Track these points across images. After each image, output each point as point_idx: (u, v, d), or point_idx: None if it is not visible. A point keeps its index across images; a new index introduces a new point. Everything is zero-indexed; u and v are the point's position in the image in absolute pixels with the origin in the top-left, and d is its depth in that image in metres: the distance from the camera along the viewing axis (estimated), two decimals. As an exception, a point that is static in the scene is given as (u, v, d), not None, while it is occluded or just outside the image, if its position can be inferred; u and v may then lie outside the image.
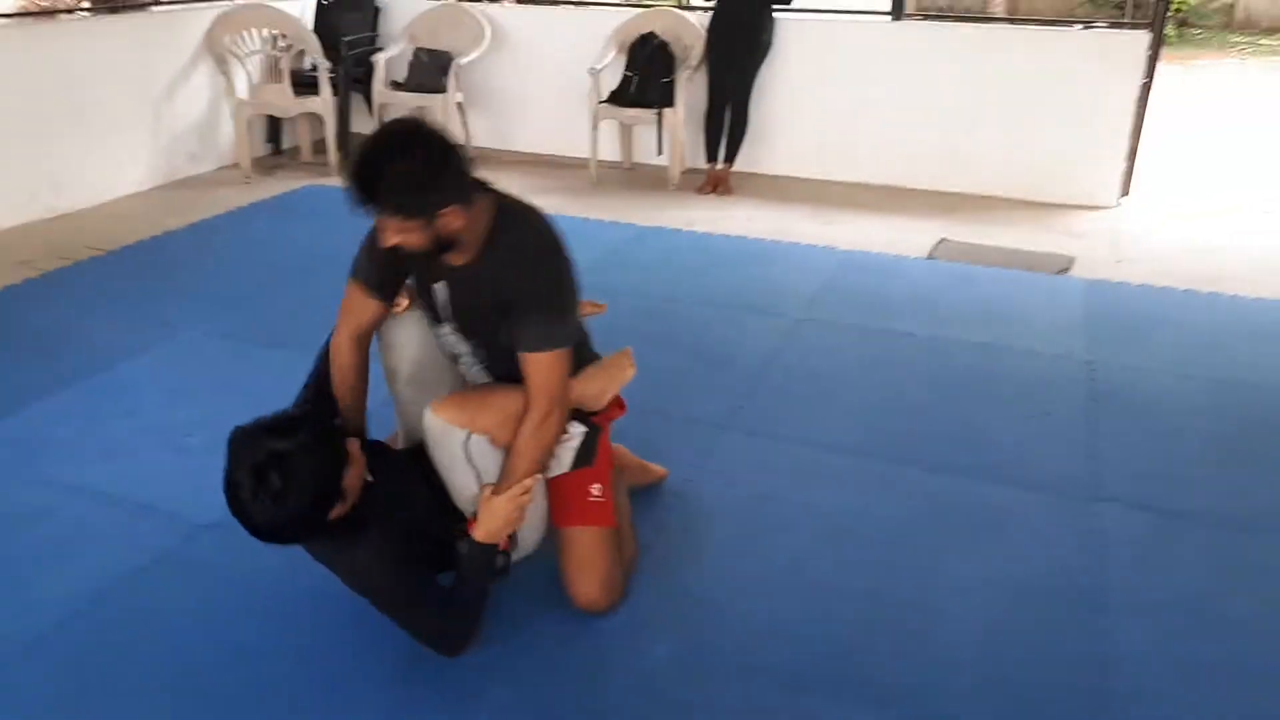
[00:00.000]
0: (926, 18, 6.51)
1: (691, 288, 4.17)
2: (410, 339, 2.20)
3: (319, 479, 1.78)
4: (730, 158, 5.67)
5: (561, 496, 2.17)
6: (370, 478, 1.92)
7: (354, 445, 1.89)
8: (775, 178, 5.89)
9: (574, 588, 2.18)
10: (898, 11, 5.66)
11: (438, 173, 1.84)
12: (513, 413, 2.00)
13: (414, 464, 2.12)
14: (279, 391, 2.26)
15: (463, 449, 1.99)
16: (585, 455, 2.16)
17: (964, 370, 3.47)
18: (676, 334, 3.72)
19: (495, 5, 6.42)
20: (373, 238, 2.05)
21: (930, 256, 4.63)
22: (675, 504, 2.66)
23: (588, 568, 2.17)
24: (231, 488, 1.76)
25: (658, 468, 2.70)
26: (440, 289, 2.08)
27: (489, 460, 2.02)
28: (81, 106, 5.09)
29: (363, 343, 2.15)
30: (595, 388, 2.19)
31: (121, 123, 5.36)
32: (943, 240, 4.84)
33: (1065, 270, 4.45)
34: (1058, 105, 5.29)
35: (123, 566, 2.38)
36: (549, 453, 2.06)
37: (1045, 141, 5.37)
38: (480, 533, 1.97)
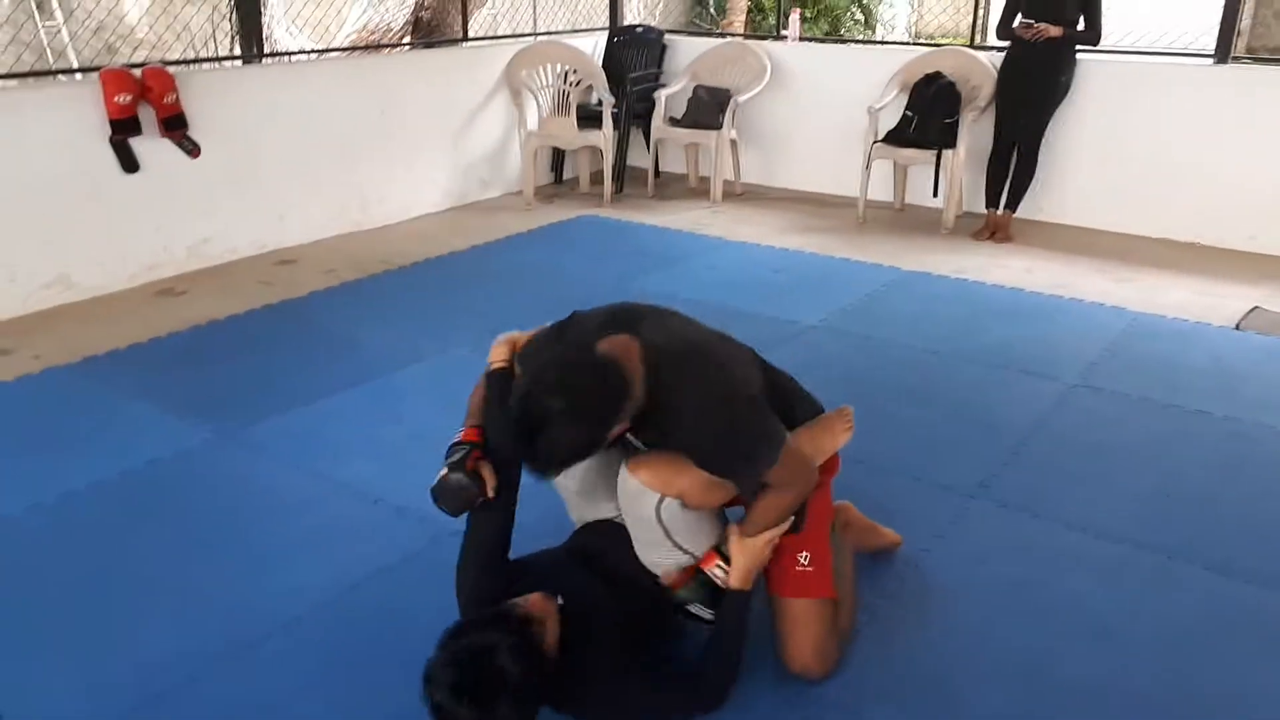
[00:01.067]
0: (1258, 60, 5.83)
1: (955, 340, 3.94)
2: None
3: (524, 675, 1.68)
4: (1013, 204, 5.34)
5: (771, 564, 2.09)
6: (560, 600, 1.87)
7: (543, 607, 1.79)
8: (1061, 227, 5.49)
9: (787, 654, 2.10)
10: (1223, 53, 5.12)
11: (599, 415, 1.73)
12: (710, 479, 1.93)
13: (583, 559, 2.08)
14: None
15: (655, 511, 1.95)
16: (794, 522, 2.06)
17: (1267, 460, 3.03)
18: (935, 389, 3.52)
19: (779, 43, 6.44)
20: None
21: (1239, 327, 4.11)
22: (911, 573, 2.49)
23: (799, 636, 2.08)
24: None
25: (890, 533, 2.54)
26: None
27: (680, 523, 1.97)
28: (392, 131, 5.59)
29: None
30: (809, 451, 2.07)
31: (425, 148, 5.84)
32: (1256, 309, 4.28)
33: None
34: None
35: (376, 561, 2.54)
36: (798, 506, 2.02)
37: (1398, 203, 4.66)
38: (737, 578, 1.96)
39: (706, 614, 2.04)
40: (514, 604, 1.79)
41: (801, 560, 2.07)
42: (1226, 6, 5.12)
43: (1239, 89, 5.07)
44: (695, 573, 2.02)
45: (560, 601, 1.86)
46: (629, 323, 1.92)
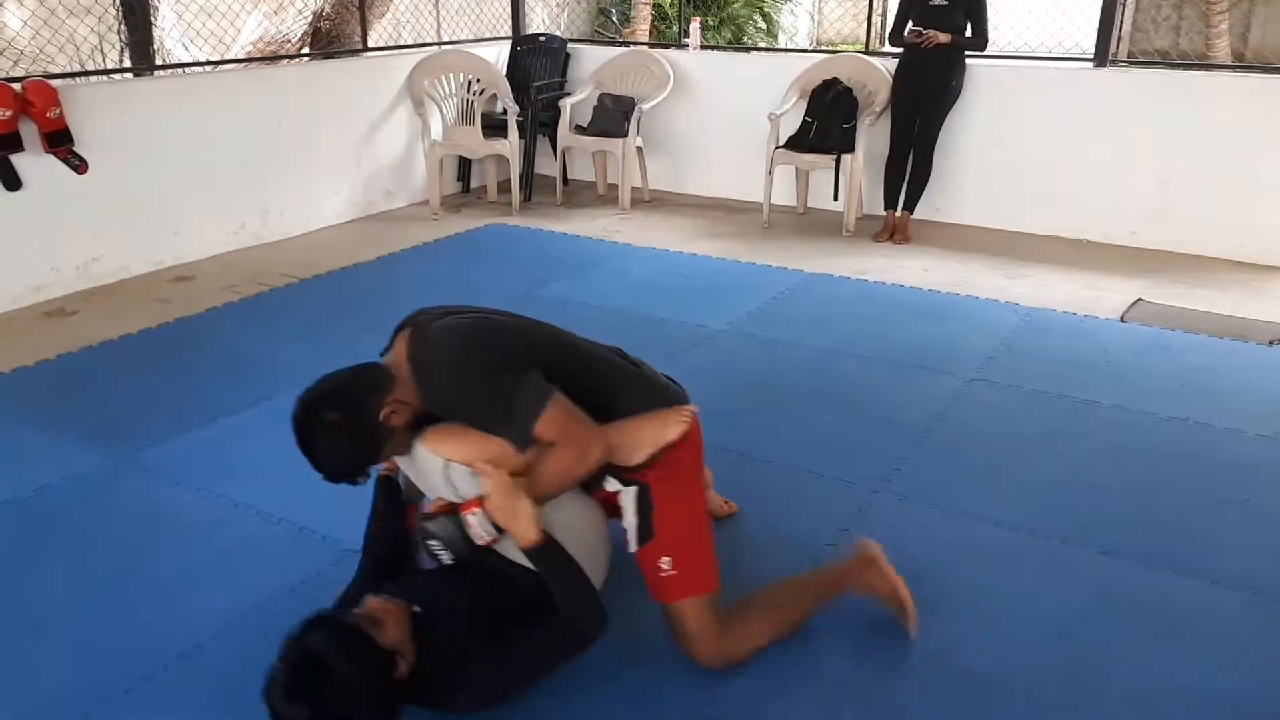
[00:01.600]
0: (1135, 64, 6.11)
1: (858, 340, 4.03)
2: None
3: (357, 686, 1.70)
4: (910, 205, 5.49)
5: (644, 575, 2.13)
6: (416, 608, 1.88)
7: (379, 608, 1.82)
8: (957, 227, 5.66)
9: (687, 653, 2.14)
10: (1102, 58, 5.35)
11: (352, 407, 1.96)
12: (496, 450, 1.97)
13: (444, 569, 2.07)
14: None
15: (443, 474, 2.00)
16: (645, 529, 2.09)
17: (1152, 447, 3.17)
18: (837, 388, 3.60)
19: (681, 51, 6.51)
20: None
21: (1124, 319, 4.29)
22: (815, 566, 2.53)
23: (689, 638, 2.12)
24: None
25: (724, 502, 2.66)
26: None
27: (469, 486, 1.99)
28: (293, 143, 5.48)
29: None
30: (625, 440, 2.06)
31: (327, 159, 5.74)
32: (1139, 301, 4.49)
33: (1281, 341, 4.04)
34: (1284, 159, 4.84)
35: (277, 583, 2.48)
36: (565, 472, 1.99)
37: (1267, 198, 4.92)
38: (523, 541, 1.91)
39: (444, 555, 2.00)
40: (351, 610, 1.83)
41: (663, 566, 2.08)
42: (1103, 12, 5.35)
43: (1118, 91, 5.30)
44: (450, 510, 1.99)
45: (414, 608, 1.87)
46: (414, 320, 2.11)
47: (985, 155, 5.55)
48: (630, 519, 2.10)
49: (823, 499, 2.84)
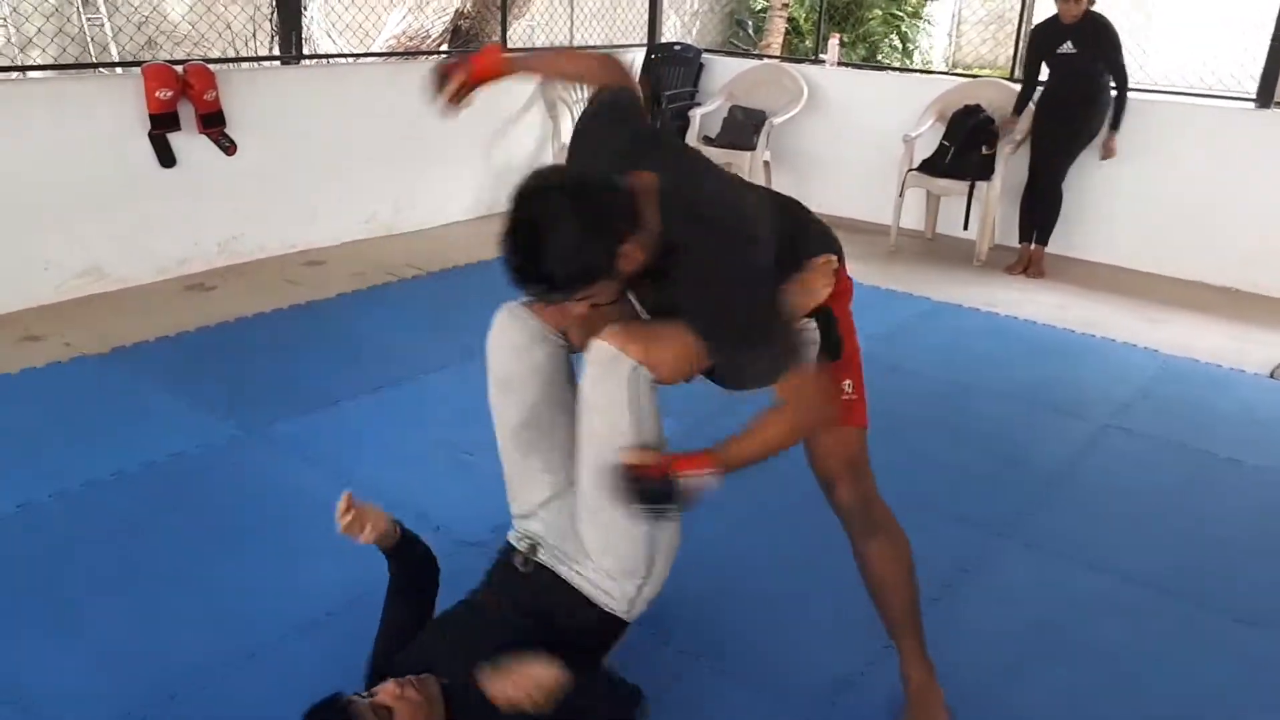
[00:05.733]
0: (1300, 105, 5.77)
1: (986, 375, 3.89)
2: (526, 380, 2.00)
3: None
4: (1043, 239, 5.30)
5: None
6: (444, 680, 1.82)
7: (391, 697, 1.74)
8: (1095, 265, 5.44)
9: (835, 486, 1.96)
10: (1265, 98, 5.07)
11: (608, 224, 1.58)
12: (686, 352, 1.75)
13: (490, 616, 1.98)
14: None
15: (629, 382, 1.76)
16: (831, 348, 1.88)
17: (1301, 513, 2.98)
18: (962, 424, 3.48)
19: (815, 67, 6.43)
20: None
21: (1274, 375, 4.05)
22: (930, 609, 2.43)
23: (849, 467, 1.94)
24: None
25: None
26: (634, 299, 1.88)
27: (645, 400, 1.79)
28: (426, 137, 5.59)
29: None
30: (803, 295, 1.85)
31: (458, 156, 5.85)
32: (1292, 357, 4.23)
33: None
34: None
35: (391, 568, 2.52)
36: (780, 445, 1.79)
37: None
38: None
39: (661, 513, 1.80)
40: (359, 697, 1.75)
41: (846, 389, 1.93)
42: (1271, 51, 5.07)
43: (1280, 134, 5.02)
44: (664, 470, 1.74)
45: (443, 680, 1.81)
46: (645, 155, 1.75)
47: (1131, 193, 5.31)
48: (809, 337, 1.90)
49: (942, 538, 2.73)
